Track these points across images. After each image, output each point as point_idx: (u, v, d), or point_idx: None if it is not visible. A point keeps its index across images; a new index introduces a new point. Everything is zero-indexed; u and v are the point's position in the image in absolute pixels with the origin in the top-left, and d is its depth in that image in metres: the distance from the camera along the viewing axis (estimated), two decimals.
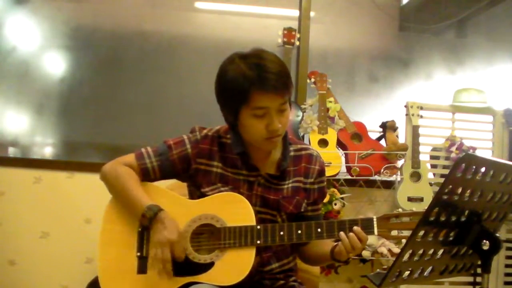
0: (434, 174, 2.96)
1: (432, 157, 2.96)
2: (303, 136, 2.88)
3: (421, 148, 2.84)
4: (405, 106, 2.89)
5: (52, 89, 3.17)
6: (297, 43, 2.99)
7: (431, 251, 1.29)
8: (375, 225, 1.53)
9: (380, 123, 2.94)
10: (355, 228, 1.51)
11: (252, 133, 1.57)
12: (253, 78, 1.49)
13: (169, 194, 1.65)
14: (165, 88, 3.23)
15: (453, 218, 1.26)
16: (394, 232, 1.54)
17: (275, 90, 1.50)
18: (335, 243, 1.59)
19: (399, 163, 2.85)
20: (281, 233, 1.56)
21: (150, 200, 1.56)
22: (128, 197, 1.59)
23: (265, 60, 1.52)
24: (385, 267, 2.79)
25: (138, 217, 1.56)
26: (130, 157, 1.67)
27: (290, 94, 1.58)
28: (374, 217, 1.54)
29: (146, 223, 1.53)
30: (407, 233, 1.51)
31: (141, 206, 1.54)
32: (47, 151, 3.22)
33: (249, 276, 1.51)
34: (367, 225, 1.53)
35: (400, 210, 1.59)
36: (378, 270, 2.73)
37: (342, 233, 1.52)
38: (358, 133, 2.87)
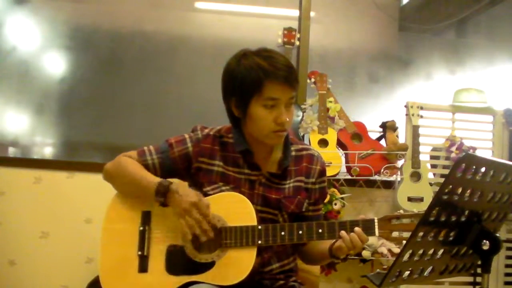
0: (434, 174, 2.96)
1: (432, 157, 2.96)
2: (303, 136, 2.88)
3: (421, 148, 2.84)
4: (405, 106, 2.89)
5: (52, 89, 3.17)
6: (297, 43, 2.99)
7: (431, 251, 1.29)
8: (376, 226, 1.53)
9: (380, 123, 2.94)
10: (356, 229, 1.52)
11: (260, 125, 1.59)
12: (267, 69, 1.55)
13: None
14: (165, 88, 3.23)
15: (453, 218, 1.26)
16: (395, 233, 1.54)
17: (287, 82, 1.56)
18: (333, 241, 1.59)
19: (399, 163, 2.86)
20: (282, 233, 1.56)
21: (158, 178, 1.58)
22: (136, 181, 1.60)
23: (276, 55, 1.60)
24: (385, 267, 2.79)
25: (151, 197, 1.56)
26: (132, 154, 1.69)
27: (297, 91, 1.61)
28: (375, 218, 1.54)
29: (162, 198, 1.54)
30: (407, 234, 1.51)
31: (152, 184, 1.56)
32: (47, 151, 3.22)
33: (250, 276, 1.51)
34: (368, 226, 1.53)
35: (401, 211, 1.59)
36: (378, 270, 2.73)
37: (343, 232, 1.52)
38: (358, 133, 2.87)
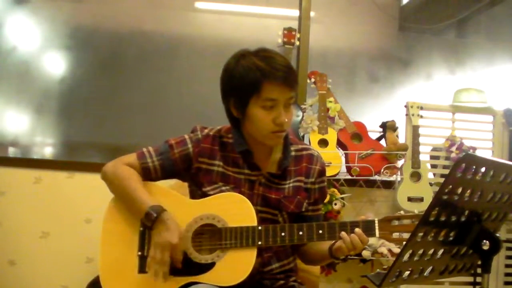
0: (434, 174, 2.97)
1: (432, 157, 2.96)
2: (303, 136, 2.88)
3: (421, 148, 2.84)
4: (405, 106, 2.89)
5: (52, 89, 3.17)
6: (297, 43, 2.99)
7: (431, 251, 1.29)
8: (376, 227, 1.53)
9: (380, 123, 2.94)
10: (356, 230, 1.52)
11: (259, 126, 1.58)
12: (265, 69, 1.54)
13: (171, 194, 1.66)
14: (165, 88, 3.23)
15: (453, 218, 1.26)
16: (395, 234, 1.53)
17: (285, 82, 1.55)
18: (332, 241, 1.59)
19: (399, 163, 2.86)
20: (282, 234, 1.56)
21: (152, 201, 1.57)
22: (130, 197, 1.59)
23: (274, 55, 1.59)
24: (385, 267, 2.79)
25: (141, 217, 1.56)
26: (132, 157, 1.68)
27: (296, 91, 1.61)
28: (376, 219, 1.54)
29: (149, 224, 1.54)
30: (408, 235, 1.51)
31: (144, 207, 1.54)
32: (47, 151, 3.22)
33: (250, 276, 1.51)
34: (368, 227, 1.53)
35: (402, 212, 1.59)
36: (378, 270, 2.73)
37: (343, 233, 1.52)
38: (358, 133, 2.87)
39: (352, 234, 1.51)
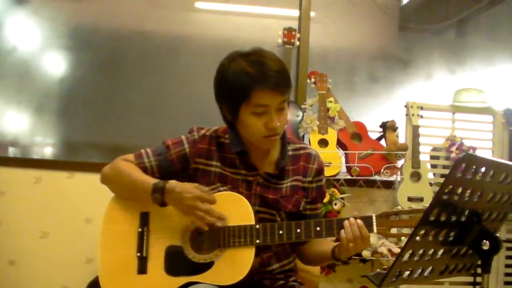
0: (434, 174, 2.97)
1: (432, 157, 2.96)
2: (303, 136, 2.88)
3: (421, 148, 2.84)
4: (405, 106, 2.89)
5: (52, 89, 3.16)
6: (297, 43, 2.99)
7: (431, 251, 1.29)
8: (374, 223, 1.53)
9: (380, 123, 2.94)
10: (358, 221, 1.51)
11: (251, 131, 1.58)
12: (254, 75, 1.50)
13: None
14: (165, 88, 3.23)
15: (453, 218, 1.26)
16: (393, 230, 1.53)
17: (276, 88, 1.52)
18: (336, 243, 1.59)
19: (399, 163, 2.86)
20: (280, 232, 1.56)
21: (154, 179, 1.58)
22: (132, 183, 1.60)
23: (266, 58, 1.54)
24: (385, 267, 2.79)
25: (148, 198, 1.56)
26: (129, 157, 1.69)
27: (290, 93, 1.59)
28: (373, 214, 1.54)
29: (159, 199, 1.54)
30: (406, 231, 1.51)
31: (148, 185, 1.55)
32: (47, 151, 3.22)
33: (249, 276, 1.51)
34: (366, 222, 1.53)
35: (399, 207, 1.58)
36: (378, 270, 2.73)
37: (346, 222, 1.51)
38: (358, 133, 2.87)
39: (353, 222, 1.50)
